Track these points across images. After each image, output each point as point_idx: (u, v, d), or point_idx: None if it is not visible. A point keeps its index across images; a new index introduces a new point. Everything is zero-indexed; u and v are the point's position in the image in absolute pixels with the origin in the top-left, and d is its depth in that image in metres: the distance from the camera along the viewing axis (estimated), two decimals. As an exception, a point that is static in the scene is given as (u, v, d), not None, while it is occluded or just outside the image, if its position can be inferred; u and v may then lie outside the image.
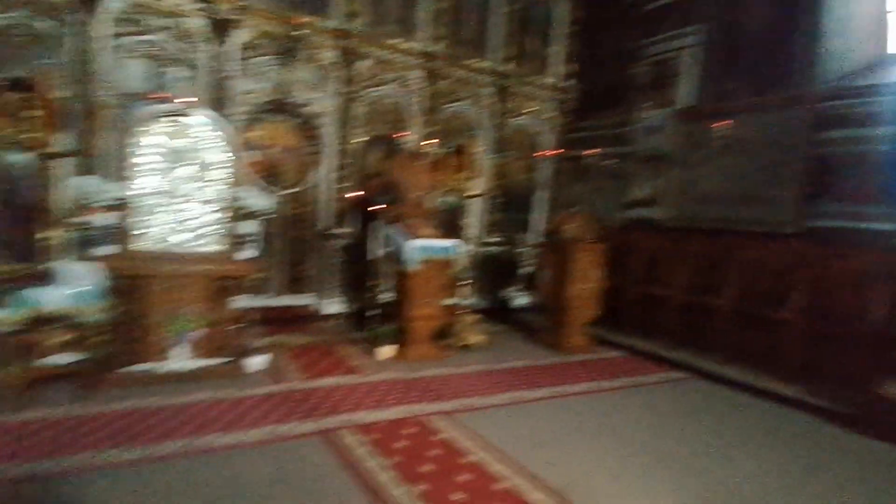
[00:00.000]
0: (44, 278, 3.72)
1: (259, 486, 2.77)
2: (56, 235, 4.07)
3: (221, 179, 4.33)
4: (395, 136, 6.83)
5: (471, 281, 5.88)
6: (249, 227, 4.51)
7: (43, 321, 3.67)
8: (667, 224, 6.62)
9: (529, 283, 7.59)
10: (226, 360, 4.31)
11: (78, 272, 3.79)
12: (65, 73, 4.93)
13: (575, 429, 3.84)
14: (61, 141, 4.68)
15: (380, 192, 5.78)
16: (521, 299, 7.94)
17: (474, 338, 5.59)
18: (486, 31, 7.48)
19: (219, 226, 4.35)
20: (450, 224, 7.18)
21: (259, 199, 4.50)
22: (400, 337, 5.15)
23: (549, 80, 8.01)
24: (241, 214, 4.46)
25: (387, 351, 5.11)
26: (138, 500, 2.57)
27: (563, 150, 8.09)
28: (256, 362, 4.44)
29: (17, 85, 4.78)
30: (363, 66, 6.55)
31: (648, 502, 2.93)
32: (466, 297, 5.89)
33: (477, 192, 6.26)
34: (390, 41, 6.66)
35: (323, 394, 4.08)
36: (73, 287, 3.70)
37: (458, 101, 7.30)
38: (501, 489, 2.90)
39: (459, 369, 4.96)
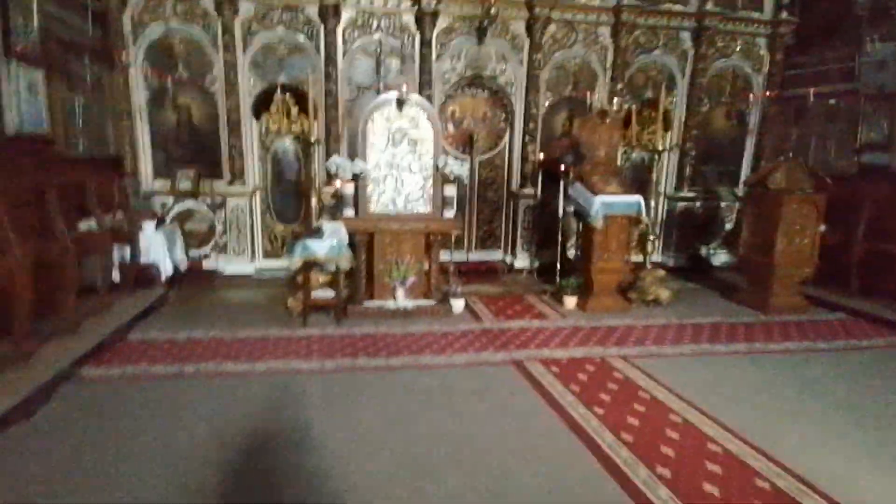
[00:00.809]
0: (312, 234, 5.01)
1: (464, 395, 3.50)
2: (317, 201, 5.41)
3: (429, 151, 5.16)
4: (581, 96, 6.98)
5: (654, 237, 5.84)
6: (450, 190, 5.29)
7: (312, 265, 4.98)
8: (908, 171, 5.55)
9: (732, 239, 7.11)
10: (434, 301, 5.23)
11: (333, 229, 5.01)
12: (316, 75, 6.30)
13: (767, 382, 3.77)
14: (318, 130, 6.04)
15: (566, 152, 6.07)
16: (722, 257, 7.50)
17: (662, 293, 5.60)
18: (684, -30, 7.00)
19: (427, 190, 5.22)
20: (640, 179, 7.12)
21: (457, 167, 5.23)
22: (585, 289, 5.49)
23: (759, 14, 7.15)
24: (444, 180, 5.26)
25: (572, 301, 5.51)
26: (379, 393, 3.50)
27: (775, 92, 7.21)
28: (457, 305, 5.27)
29: (287, 88, 6.33)
30: (550, 31, 6.81)
31: (828, 453, 2.85)
32: (654, 253, 5.89)
33: (667, 145, 6.09)
34: (577, 2, 6.74)
35: (514, 333, 4.71)
36: (330, 241, 4.92)
37: (651, 50, 7.06)
38: (675, 420, 3.14)
39: (642, 321, 5.11)
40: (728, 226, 7.48)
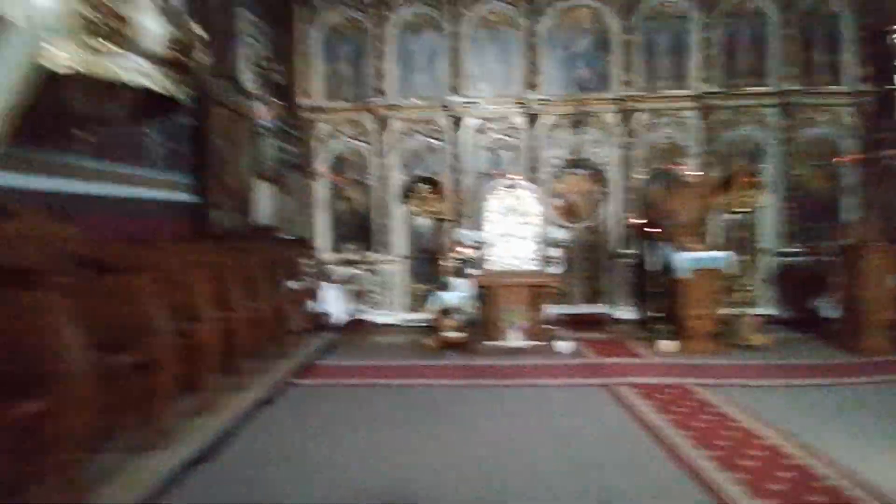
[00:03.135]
0: (445, 287, 6.56)
1: (561, 402, 4.58)
2: (447, 264, 7.00)
3: (534, 222, 6.55)
4: (672, 168, 7.98)
5: (749, 288, 6.49)
6: (554, 251, 6.57)
7: (445, 312, 6.47)
8: None
9: (833, 291, 7.35)
10: (542, 342, 6.39)
11: (460, 284, 6.50)
12: (446, 167, 8.15)
13: (837, 406, 4.27)
14: (448, 209, 7.78)
15: (658, 217, 7.08)
16: (829, 309, 7.66)
17: (756, 338, 6.18)
18: (764, 56, 7.91)
19: (535, 252, 6.56)
20: (737, 237, 7.72)
21: (560, 233, 6.54)
22: (679, 334, 6.26)
23: (842, 86, 7.75)
24: (548, 244, 6.57)
25: (666, 345, 6.30)
26: (495, 400, 4.71)
27: (861, 155, 7.58)
28: (562, 346, 6.36)
29: (424, 179, 8.23)
30: (639, 118, 8.05)
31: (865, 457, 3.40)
32: (747, 302, 6.51)
33: (757, 206, 6.83)
34: (663, 93, 7.96)
35: (608, 366, 5.68)
36: (458, 293, 6.40)
37: (736, 126, 7.95)
38: (735, 426, 3.90)
39: (733, 361, 5.74)
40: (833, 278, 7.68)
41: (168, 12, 2.38)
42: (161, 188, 4.37)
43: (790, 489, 2.90)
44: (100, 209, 3.59)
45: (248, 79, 6.08)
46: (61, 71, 2.14)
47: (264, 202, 6.46)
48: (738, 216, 7.96)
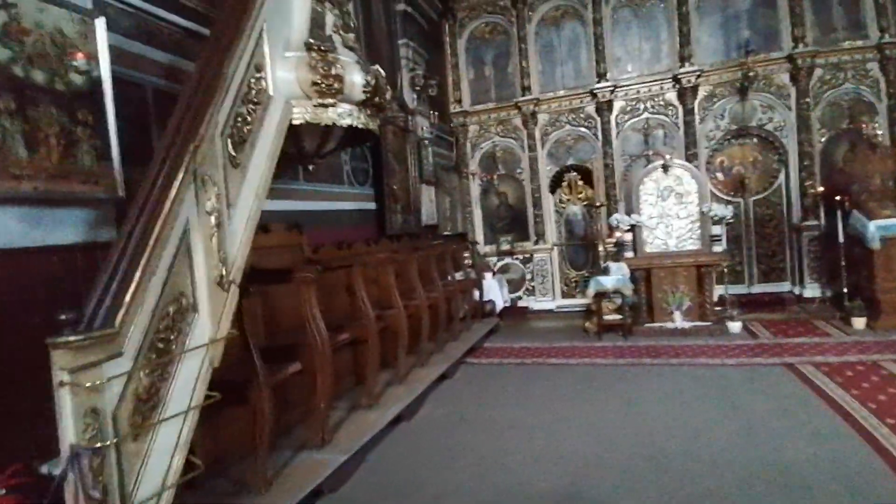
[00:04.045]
0: (602, 272, 6.70)
1: (735, 381, 4.50)
2: (602, 249, 7.11)
3: (694, 201, 6.35)
4: (859, 128, 7.02)
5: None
6: (717, 229, 6.30)
7: (603, 296, 6.62)
8: None
9: None
10: (708, 323, 6.19)
11: (617, 268, 6.59)
12: (596, 154, 8.21)
13: None
14: (599, 195, 7.86)
15: (845, 182, 6.34)
16: None
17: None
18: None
19: (695, 231, 6.36)
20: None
21: (722, 209, 6.24)
22: (873, 310, 5.60)
23: None
24: (710, 221, 6.32)
25: (860, 322, 5.67)
26: (660, 378, 4.79)
27: None
28: (734, 326, 6.09)
29: (573, 168, 8.40)
30: (816, 75, 7.22)
31: None
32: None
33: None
34: (840, 46, 7.05)
35: (790, 346, 5.34)
36: (615, 276, 6.50)
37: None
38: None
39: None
40: None
41: (363, 64, 3.07)
42: (353, 200, 5.36)
43: None
44: (316, 221, 4.58)
45: (410, 98, 6.91)
46: (297, 122, 2.93)
47: (427, 203, 7.27)
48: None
